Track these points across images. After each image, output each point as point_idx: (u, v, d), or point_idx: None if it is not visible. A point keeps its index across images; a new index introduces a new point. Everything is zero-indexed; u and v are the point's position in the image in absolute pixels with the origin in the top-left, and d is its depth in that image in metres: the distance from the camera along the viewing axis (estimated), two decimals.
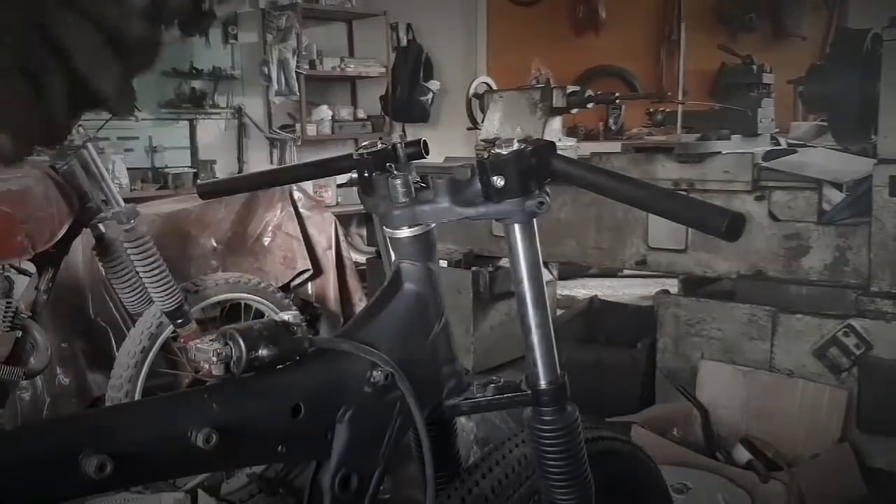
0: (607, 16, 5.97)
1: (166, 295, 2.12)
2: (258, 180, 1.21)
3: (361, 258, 4.03)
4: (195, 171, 5.22)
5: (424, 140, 1.03)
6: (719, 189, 2.60)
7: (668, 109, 3.75)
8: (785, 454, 2.29)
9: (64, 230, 2.06)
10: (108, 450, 0.62)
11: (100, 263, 2.24)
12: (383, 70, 5.96)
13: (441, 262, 0.88)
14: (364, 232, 5.53)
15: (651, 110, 3.81)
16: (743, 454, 2.25)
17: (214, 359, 0.73)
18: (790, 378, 2.41)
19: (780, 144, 3.07)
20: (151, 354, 2.18)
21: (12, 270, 2.05)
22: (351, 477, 0.80)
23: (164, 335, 2.20)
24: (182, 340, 2.18)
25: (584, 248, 2.98)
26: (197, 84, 5.38)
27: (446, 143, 3.74)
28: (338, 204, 5.49)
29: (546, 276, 0.92)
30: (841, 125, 2.63)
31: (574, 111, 3.14)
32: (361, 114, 6.01)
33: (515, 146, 0.78)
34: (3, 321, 1.93)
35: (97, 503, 1.68)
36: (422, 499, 0.82)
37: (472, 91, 3.44)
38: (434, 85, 5.96)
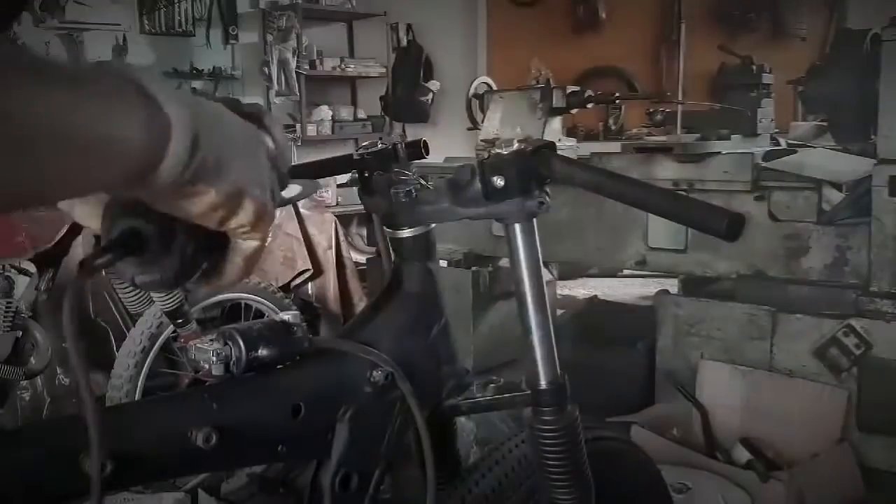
0: (607, 16, 5.98)
1: (166, 295, 2.12)
2: None
3: (361, 258, 4.03)
4: None
5: (424, 140, 1.03)
6: (719, 189, 2.60)
7: (668, 109, 3.75)
8: (785, 454, 2.29)
9: (64, 230, 2.06)
10: (108, 450, 0.62)
11: None
12: (383, 70, 5.96)
13: (441, 262, 0.88)
14: (364, 232, 5.52)
15: (651, 110, 3.81)
16: (743, 454, 2.26)
17: (214, 359, 0.72)
18: (790, 378, 2.41)
19: (780, 144, 3.07)
20: (151, 354, 2.18)
21: (12, 270, 2.05)
22: (351, 477, 0.80)
23: (164, 335, 2.20)
24: (182, 340, 2.18)
25: (584, 248, 2.97)
26: (197, 84, 5.38)
27: (446, 143, 3.74)
28: (338, 204, 5.48)
29: (546, 276, 0.92)
30: (841, 125, 2.63)
31: (574, 111, 3.14)
32: (361, 114, 6.00)
33: (515, 146, 0.78)
34: (4, 321, 1.93)
35: None
36: (422, 499, 0.82)
37: (472, 91, 3.44)
38: (434, 85, 5.95)
